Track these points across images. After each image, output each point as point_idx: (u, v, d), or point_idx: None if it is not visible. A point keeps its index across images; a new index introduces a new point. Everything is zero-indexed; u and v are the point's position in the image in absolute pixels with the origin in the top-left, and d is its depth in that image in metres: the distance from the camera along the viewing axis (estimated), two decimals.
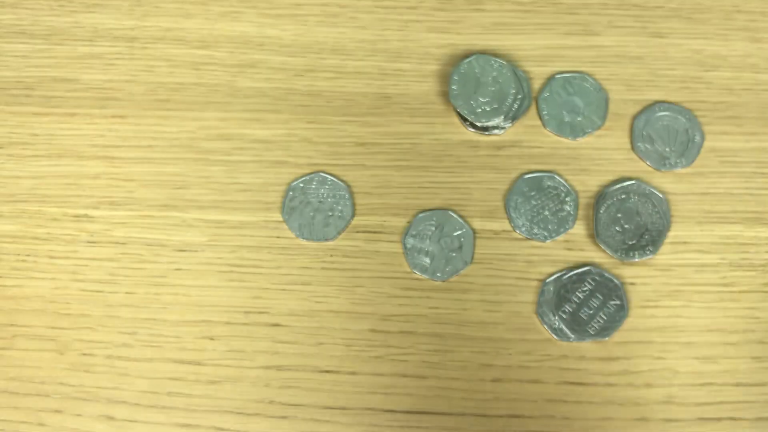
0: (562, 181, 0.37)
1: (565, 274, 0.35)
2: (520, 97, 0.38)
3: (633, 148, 0.38)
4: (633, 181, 0.36)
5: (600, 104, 0.38)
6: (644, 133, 0.38)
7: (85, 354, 0.34)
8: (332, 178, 0.37)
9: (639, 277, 0.35)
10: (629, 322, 0.34)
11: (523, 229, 0.36)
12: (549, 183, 0.37)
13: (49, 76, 0.39)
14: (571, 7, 0.41)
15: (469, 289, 0.35)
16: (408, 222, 0.36)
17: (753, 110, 0.38)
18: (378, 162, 0.37)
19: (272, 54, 0.40)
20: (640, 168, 0.37)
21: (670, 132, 0.38)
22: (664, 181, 0.37)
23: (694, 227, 0.36)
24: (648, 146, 0.37)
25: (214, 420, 0.33)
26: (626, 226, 0.36)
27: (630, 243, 0.35)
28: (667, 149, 0.37)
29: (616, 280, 0.35)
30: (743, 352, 0.34)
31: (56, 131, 0.38)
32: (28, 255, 0.36)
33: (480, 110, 0.37)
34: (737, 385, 0.34)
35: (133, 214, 0.36)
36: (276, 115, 0.38)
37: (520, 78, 0.38)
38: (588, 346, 0.34)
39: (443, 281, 0.35)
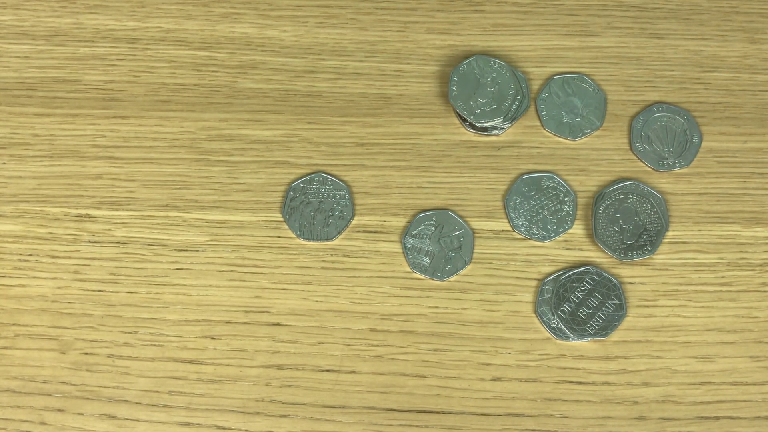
0: (561, 182, 0.37)
1: (563, 274, 0.35)
2: (519, 97, 0.38)
3: (631, 148, 0.38)
4: (631, 182, 0.37)
5: (599, 105, 0.38)
6: (642, 133, 0.38)
7: (86, 353, 0.34)
8: (332, 178, 0.37)
9: (637, 276, 0.35)
10: (628, 321, 0.35)
11: (523, 229, 0.36)
12: (548, 183, 0.37)
13: (50, 77, 0.39)
14: (570, 9, 0.41)
15: (468, 288, 0.35)
16: (408, 222, 0.36)
17: (751, 111, 0.39)
18: (378, 162, 0.37)
19: (273, 55, 0.40)
20: (638, 168, 0.37)
21: (669, 132, 0.38)
22: (663, 182, 0.37)
23: (692, 227, 0.36)
24: (646, 147, 0.38)
25: (215, 419, 0.33)
26: (625, 226, 0.36)
27: (628, 243, 0.35)
28: (666, 150, 0.37)
29: (614, 280, 0.35)
30: (741, 351, 0.34)
31: (58, 132, 0.38)
32: (30, 255, 0.36)
33: (479, 111, 0.37)
34: (735, 384, 0.34)
35: (134, 214, 0.36)
36: (276, 116, 0.38)
37: (519, 79, 0.38)
38: (587, 346, 0.34)
39: (443, 281, 0.35)
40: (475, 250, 0.36)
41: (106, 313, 0.35)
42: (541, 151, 0.38)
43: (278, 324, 0.35)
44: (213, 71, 0.39)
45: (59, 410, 0.33)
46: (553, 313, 0.34)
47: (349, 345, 0.34)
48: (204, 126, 0.38)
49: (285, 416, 0.33)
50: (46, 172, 0.37)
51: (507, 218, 0.36)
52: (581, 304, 0.34)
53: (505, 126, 0.38)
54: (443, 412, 0.33)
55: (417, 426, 0.33)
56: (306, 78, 0.39)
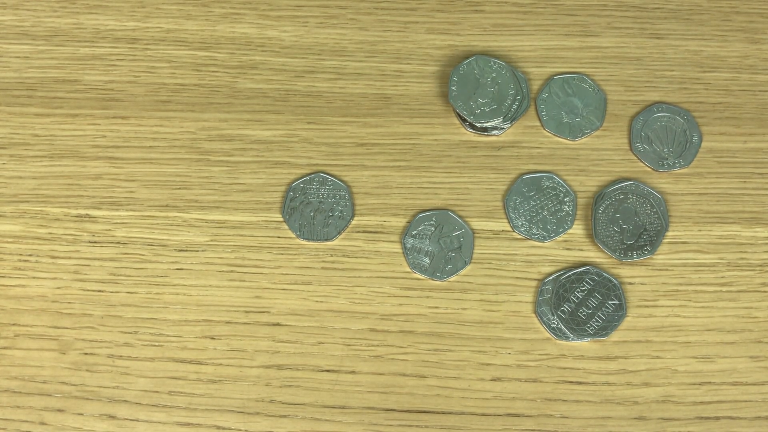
0: (561, 182, 0.37)
1: (563, 274, 0.35)
2: (519, 98, 0.38)
3: (631, 148, 0.38)
4: (631, 182, 0.37)
5: (598, 105, 0.38)
6: (642, 133, 0.38)
7: (86, 353, 0.34)
8: (332, 178, 0.37)
9: (637, 276, 0.35)
10: (627, 321, 0.35)
11: (522, 229, 0.36)
12: (548, 183, 0.37)
13: (50, 77, 0.39)
14: (570, 9, 0.41)
15: (468, 288, 0.35)
16: (408, 222, 0.36)
17: (751, 111, 0.39)
18: (378, 162, 0.37)
19: (273, 55, 0.40)
20: (638, 168, 0.37)
21: (669, 133, 0.38)
22: (662, 182, 0.37)
23: (692, 227, 0.36)
24: (646, 147, 0.38)
25: (215, 419, 0.33)
26: (624, 227, 0.36)
27: (628, 243, 0.35)
28: (666, 150, 0.37)
29: (614, 280, 0.35)
30: (741, 351, 0.34)
31: (58, 132, 0.38)
32: (30, 255, 0.36)
33: (479, 111, 0.37)
34: (735, 384, 0.34)
35: (134, 214, 0.36)
36: (276, 116, 0.38)
37: (519, 79, 0.38)
38: (586, 346, 0.34)
39: (442, 281, 0.35)
40: (475, 251, 0.36)
41: (106, 313, 0.35)
42: (541, 151, 0.38)
43: (278, 324, 0.35)
44: (213, 71, 0.39)
45: (59, 410, 0.33)
46: (553, 313, 0.34)
47: (349, 345, 0.34)
48: (204, 126, 0.38)
49: (285, 416, 0.33)
50: (46, 172, 0.37)
51: (507, 218, 0.36)
52: (581, 304, 0.34)
53: (505, 126, 0.38)
54: (443, 412, 0.33)
55: (417, 426, 0.33)
56: (306, 78, 0.39)
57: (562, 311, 0.34)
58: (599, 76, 0.39)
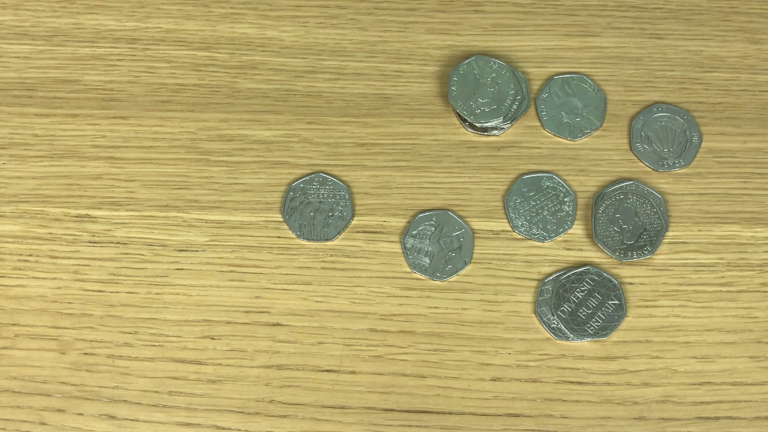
0: (561, 182, 0.37)
1: (563, 274, 0.35)
2: (519, 98, 0.38)
3: (631, 148, 0.38)
4: (631, 182, 0.37)
5: (598, 105, 0.38)
6: (642, 133, 0.38)
7: (86, 353, 0.34)
8: (332, 178, 0.37)
9: (637, 277, 0.35)
10: (627, 321, 0.35)
11: (522, 229, 0.36)
12: (548, 183, 0.37)
13: (50, 77, 0.39)
14: (569, 9, 0.41)
15: (468, 288, 0.35)
16: (408, 222, 0.36)
17: (751, 111, 0.39)
18: (378, 162, 0.37)
19: (273, 55, 0.40)
20: (638, 168, 0.37)
21: (669, 133, 0.38)
22: (662, 182, 0.37)
23: (692, 227, 0.36)
24: (646, 147, 0.38)
25: (215, 419, 0.33)
26: (624, 227, 0.36)
27: (628, 243, 0.35)
28: (666, 150, 0.37)
29: (614, 280, 0.35)
30: (741, 351, 0.34)
31: (58, 132, 0.38)
32: (30, 255, 0.36)
33: (479, 111, 0.37)
34: (735, 384, 0.34)
35: (134, 214, 0.36)
36: (276, 116, 0.38)
37: (519, 79, 0.38)
38: (586, 346, 0.34)
39: (442, 281, 0.35)
40: (475, 251, 0.36)
41: (106, 313, 0.35)
42: (541, 152, 0.38)
43: (278, 324, 0.35)
44: (213, 71, 0.39)
45: (59, 410, 0.33)
46: (552, 314, 0.34)
47: (349, 345, 0.34)
48: (204, 126, 0.38)
49: (285, 416, 0.33)
50: (46, 172, 0.37)
51: (507, 218, 0.36)
52: (581, 304, 0.34)
53: (505, 126, 0.38)
54: (443, 412, 0.33)
55: (417, 426, 0.33)
56: (306, 78, 0.39)
57: (562, 311, 0.34)
58: (599, 76, 0.39)
